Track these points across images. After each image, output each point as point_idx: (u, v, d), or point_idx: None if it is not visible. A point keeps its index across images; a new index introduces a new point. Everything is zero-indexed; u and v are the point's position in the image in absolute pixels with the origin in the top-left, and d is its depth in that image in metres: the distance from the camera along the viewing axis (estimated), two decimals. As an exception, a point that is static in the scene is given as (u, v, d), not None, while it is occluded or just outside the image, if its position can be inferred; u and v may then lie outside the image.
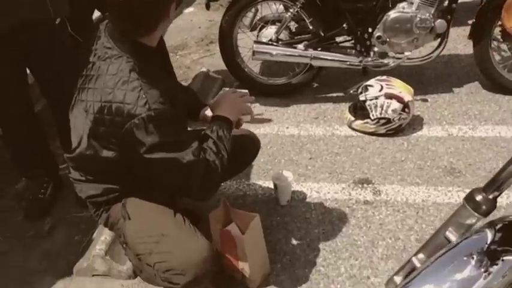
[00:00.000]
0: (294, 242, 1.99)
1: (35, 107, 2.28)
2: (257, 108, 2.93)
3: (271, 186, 2.28)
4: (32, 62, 1.97)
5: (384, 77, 2.60)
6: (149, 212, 1.55)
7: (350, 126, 2.68)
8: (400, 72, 3.06)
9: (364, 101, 2.55)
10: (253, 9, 3.05)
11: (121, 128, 1.33)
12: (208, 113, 1.78)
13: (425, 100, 2.89)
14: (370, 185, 2.26)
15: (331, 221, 2.08)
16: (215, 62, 3.53)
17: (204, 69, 3.33)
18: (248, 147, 1.92)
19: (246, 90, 1.80)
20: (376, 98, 2.51)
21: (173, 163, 1.38)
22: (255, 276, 1.77)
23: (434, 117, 2.74)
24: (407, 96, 2.51)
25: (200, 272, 1.43)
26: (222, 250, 1.76)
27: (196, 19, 4.49)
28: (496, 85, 2.88)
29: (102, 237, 1.92)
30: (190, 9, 4.78)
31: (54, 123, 2.18)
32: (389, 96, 2.49)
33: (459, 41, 3.51)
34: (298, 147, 2.58)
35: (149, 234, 1.49)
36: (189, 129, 1.86)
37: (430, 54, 2.85)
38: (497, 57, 2.93)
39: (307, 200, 2.21)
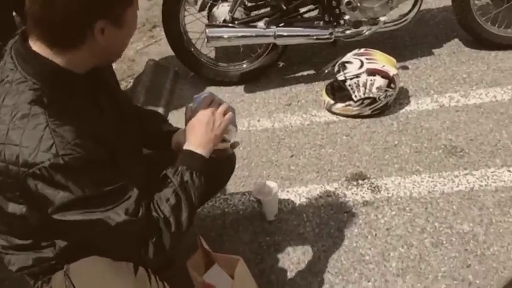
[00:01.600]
0: (292, 267, 1.67)
1: None
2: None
3: (252, 198, 1.94)
4: None
5: (362, 50, 2.26)
6: (101, 276, 1.16)
7: (330, 111, 2.34)
8: (371, 41, 2.73)
9: (344, 81, 2.20)
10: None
11: (17, 179, 0.95)
12: (179, 138, 1.37)
13: (406, 68, 2.58)
14: (366, 181, 1.95)
15: (329, 233, 1.76)
16: (163, 50, 3.07)
17: (150, 61, 2.88)
18: (220, 169, 1.52)
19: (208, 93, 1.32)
20: (357, 76, 2.17)
21: (96, 226, 1.00)
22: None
23: (420, 86, 2.44)
24: (392, 70, 2.18)
25: None
26: (209, 303, 1.42)
27: (133, 0, 3.95)
28: (480, 41, 2.60)
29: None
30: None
31: None
32: (372, 72, 2.16)
33: (428, -6, 3.20)
34: (276, 144, 2.23)
35: None
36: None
37: (405, 16, 2.51)
38: (476, 7, 2.63)
39: (297, 209, 1.88)
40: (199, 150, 1.17)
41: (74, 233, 1.06)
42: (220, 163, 1.36)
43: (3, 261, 1.21)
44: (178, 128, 1.42)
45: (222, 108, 1.23)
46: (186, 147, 1.19)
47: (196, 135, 1.19)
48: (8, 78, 1.00)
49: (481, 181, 1.85)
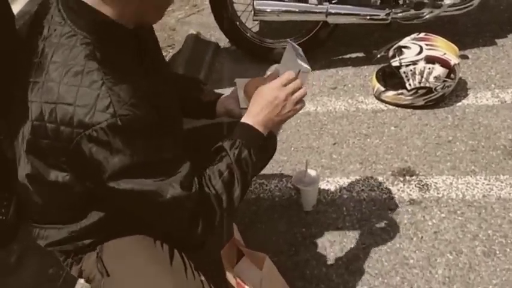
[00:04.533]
0: (328, 262, 1.57)
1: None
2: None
3: (290, 185, 1.83)
4: None
5: (422, 35, 2.07)
6: (136, 264, 1.09)
7: (378, 98, 2.18)
8: (428, 25, 2.52)
9: (399, 67, 2.03)
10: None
11: (69, 142, 0.87)
12: (229, 105, 1.29)
13: (466, 57, 2.38)
14: (414, 177, 1.81)
15: (371, 230, 1.64)
16: (205, 21, 2.95)
17: (193, 32, 2.77)
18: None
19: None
20: (414, 63, 2.00)
21: (150, 197, 0.92)
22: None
23: (480, 79, 2.25)
24: (454, 59, 2.00)
25: None
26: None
27: (178, -33, 3.83)
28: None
29: (82, 280, 1.48)
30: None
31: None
32: (431, 60, 1.98)
33: (494, -22, 2.94)
34: (318, 129, 2.10)
35: None
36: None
37: (471, 0, 2.29)
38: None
39: (337, 202, 1.76)
40: (258, 127, 1.06)
41: (122, 204, 0.99)
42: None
43: (32, 234, 1.16)
44: (221, 94, 1.32)
45: (298, 94, 1.07)
46: (246, 120, 1.07)
47: (260, 112, 1.06)
48: (55, 33, 0.92)
49: (544, 189, 1.69)
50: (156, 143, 0.93)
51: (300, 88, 1.07)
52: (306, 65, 1.09)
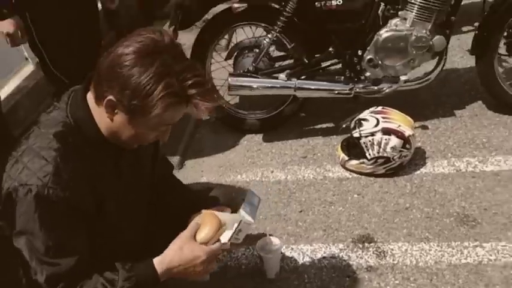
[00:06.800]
0: (288, 330, 1.65)
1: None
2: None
3: (256, 253, 1.94)
4: None
5: (379, 109, 2.26)
6: None
7: (344, 166, 2.34)
8: (393, 96, 2.73)
9: (359, 138, 2.21)
10: (227, 35, 2.71)
11: (6, 189, 1.09)
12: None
13: (426, 127, 2.56)
14: (372, 244, 1.92)
15: (329, 297, 1.74)
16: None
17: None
18: None
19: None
20: (372, 134, 2.17)
21: (29, 269, 1.13)
22: None
23: (438, 148, 2.41)
24: (408, 130, 2.17)
25: None
26: None
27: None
28: (503, 105, 2.57)
29: None
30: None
31: None
32: (387, 132, 2.16)
33: (455, 53, 3.17)
34: (286, 197, 2.24)
35: None
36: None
37: (428, 75, 2.51)
38: (501, 71, 2.61)
39: (300, 269, 1.86)
40: (163, 277, 1.18)
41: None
42: None
43: None
44: (201, 209, 1.38)
45: (210, 260, 1.24)
46: (159, 263, 1.19)
47: (177, 265, 1.20)
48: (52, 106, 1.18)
49: (491, 255, 1.79)
50: (66, 227, 1.10)
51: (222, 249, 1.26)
52: (248, 217, 1.28)
